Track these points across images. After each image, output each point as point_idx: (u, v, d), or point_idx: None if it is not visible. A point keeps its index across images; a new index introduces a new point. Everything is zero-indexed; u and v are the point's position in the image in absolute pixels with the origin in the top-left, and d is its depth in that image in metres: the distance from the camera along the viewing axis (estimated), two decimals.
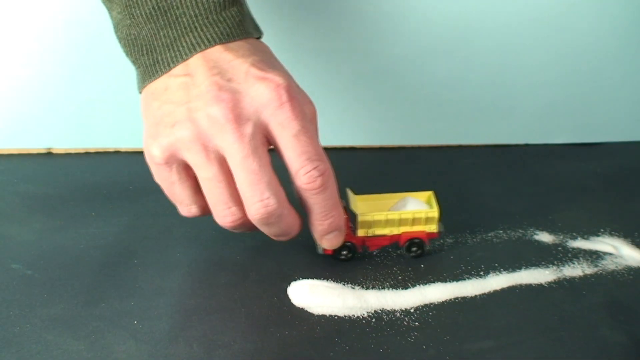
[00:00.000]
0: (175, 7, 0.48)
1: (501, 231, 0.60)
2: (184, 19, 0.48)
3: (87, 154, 0.74)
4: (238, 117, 0.46)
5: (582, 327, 0.49)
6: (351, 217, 0.54)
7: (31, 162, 0.72)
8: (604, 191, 0.68)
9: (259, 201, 0.47)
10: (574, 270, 0.55)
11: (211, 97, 0.46)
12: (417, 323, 0.49)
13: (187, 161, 0.48)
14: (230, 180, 0.47)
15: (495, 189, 0.68)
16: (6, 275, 0.53)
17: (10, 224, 0.60)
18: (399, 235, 0.55)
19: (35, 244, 0.57)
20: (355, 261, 0.56)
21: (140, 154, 0.74)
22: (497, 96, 0.75)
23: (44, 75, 0.70)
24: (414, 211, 0.54)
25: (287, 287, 0.52)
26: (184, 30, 0.48)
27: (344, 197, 0.54)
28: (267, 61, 0.49)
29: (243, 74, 0.47)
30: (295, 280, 0.53)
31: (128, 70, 0.72)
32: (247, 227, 0.50)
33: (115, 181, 0.68)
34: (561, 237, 0.60)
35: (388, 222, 0.54)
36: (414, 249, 0.55)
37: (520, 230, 0.60)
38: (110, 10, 0.52)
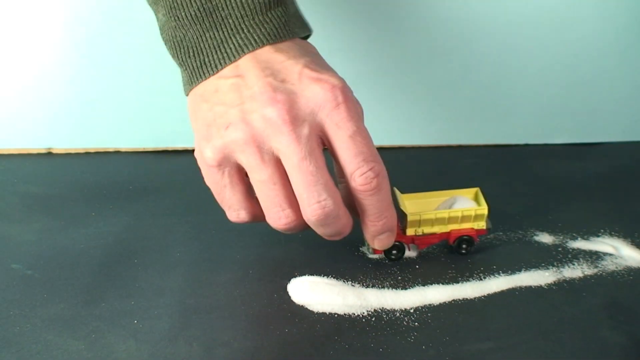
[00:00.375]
0: (220, 9, 0.48)
1: (501, 232, 0.60)
2: (230, 21, 0.48)
3: (87, 154, 0.74)
4: (294, 118, 0.46)
5: (582, 328, 0.49)
6: (400, 216, 0.54)
7: (31, 162, 0.72)
8: (604, 191, 0.68)
9: (315, 203, 0.47)
10: (574, 271, 0.55)
11: (266, 99, 0.46)
12: (416, 323, 0.49)
13: (241, 163, 0.48)
14: (285, 182, 0.47)
15: (495, 189, 0.68)
16: (6, 275, 0.53)
17: (10, 224, 0.60)
18: (448, 233, 0.55)
19: (35, 244, 0.58)
20: (355, 259, 0.56)
21: (140, 154, 0.74)
22: (497, 96, 0.75)
23: (44, 75, 0.70)
24: (463, 209, 0.55)
25: (287, 284, 0.52)
26: (230, 31, 0.48)
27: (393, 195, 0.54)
28: (319, 62, 0.49)
29: (297, 75, 0.47)
30: (295, 277, 0.53)
31: (128, 70, 0.72)
32: (300, 229, 0.50)
33: (115, 181, 0.68)
34: (561, 237, 0.60)
35: (437, 221, 0.54)
36: (464, 245, 0.56)
37: (520, 231, 0.60)
38: (156, 12, 0.52)
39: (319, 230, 0.50)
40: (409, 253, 0.56)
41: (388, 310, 0.51)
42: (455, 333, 0.48)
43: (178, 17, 0.49)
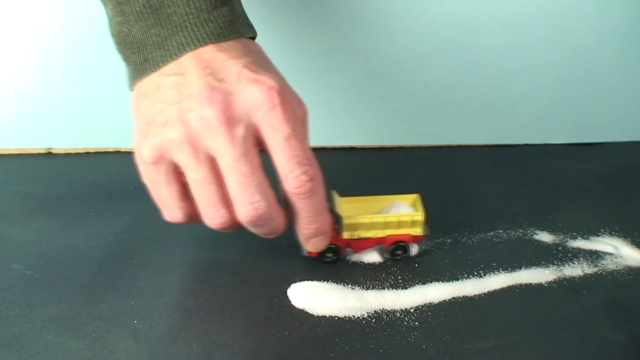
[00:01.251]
0: (165, 6, 0.48)
1: (501, 231, 0.60)
2: (175, 18, 0.48)
3: (87, 154, 0.74)
4: (230, 119, 0.45)
5: (582, 326, 0.49)
6: (336, 219, 0.54)
7: (31, 162, 0.72)
8: (604, 191, 0.68)
9: (249, 204, 0.47)
10: (574, 270, 0.55)
11: (203, 98, 0.46)
12: (417, 323, 0.49)
13: (177, 162, 0.47)
14: (220, 182, 0.47)
15: (495, 189, 0.68)
16: (6, 275, 0.53)
17: (10, 224, 0.60)
18: (384, 238, 0.55)
19: (35, 244, 0.58)
20: (355, 262, 0.56)
21: None
22: (497, 96, 0.75)
23: (44, 75, 0.70)
24: (399, 214, 0.54)
25: (287, 288, 0.52)
26: (174, 29, 0.48)
27: (329, 199, 0.53)
28: (260, 63, 0.49)
29: (235, 75, 0.47)
30: (295, 282, 0.53)
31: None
32: (235, 228, 0.50)
33: (115, 181, 0.68)
34: (561, 237, 0.60)
35: (373, 225, 0.54)
36: (399, 252, 0.55)
37: (520, 230, 0.60)
38: (105, 6, 0.52)
39: (253, 230, 0.50)
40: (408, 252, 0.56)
41: (388, 310, 0.51)
42: (456, 332, 0.48)
43: (124, 12, 0.49)
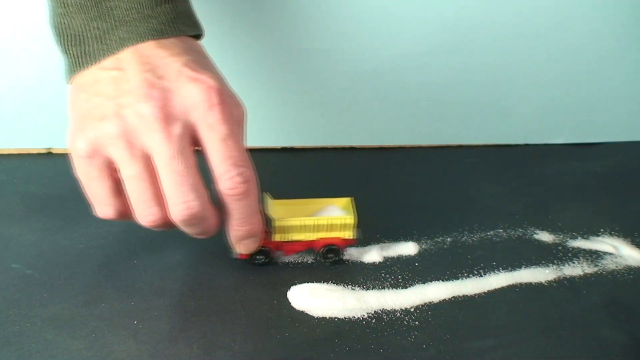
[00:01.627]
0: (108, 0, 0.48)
1: (501, 230, 0.60)
2: (116, 12, 0.48)
3: None
4: (167, 116, 0.45)
5: (582, 326, 0.49)
6: (267, 221, 0.53)
7: (31, 162, 0.72)
8: (604, 191, 0.68)
9: (182, 203, 0.46)
10: (574, 269, 0.55)
11: (142, 94, 0.45)
12: (417, 322, 0.49)
13: (112, 157, 0.47)
14: (154, 179, 0.46)
15: (495, 189, 0.68)
16: (6, 275, 0.53)
17: (10, 224, 0.60)
18: (315, 241, 0.54)
19: (35, 244, 0.57)
20: (355, 263, 0.56)
21: None
22: (497, 96, 0.75)
23: (44, 75, 0.70)
24: (330, 217, 0.54)
25: (287, 291, 0.52)
26: (115, 23, 0.48)
27: (261, 201, 0.53)
28: (200, 61, 0.48)
29: (175, 73, 0.46)
30: (295, 284, 0.53)
31: None
32: (167, 227, 0.49)
33: None
34: (561, 236, 0.60)
35: (304, 228, 0.54)
36: (331, 255, 0.55)
37: (520, 230, 0.60)
38: None
39: (185, 229, 0.49)
40: (408, 251, 0.56)
41: (388, 310, 0.51)
42: (456, 331, 0.48)
43: (65, 4, 0.49)
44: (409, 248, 0.57)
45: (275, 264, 0.55)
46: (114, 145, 0.46)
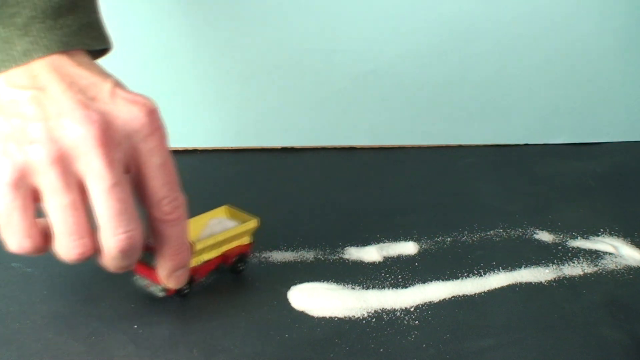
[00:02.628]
0: (9, 5, 0.45)
1: (501, 230, 0.60)
2: (19, 20, 0.45)
3: None
4: (109, 140, 0.42)
5: (582, 325, 0.49)
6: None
7: None
8: (604, 191, 0.68)
9: (122, 233, 0.43)
10: (574, 269, 0.55)
11: (79, 117, 0.42)
12: (417, 322, 0.49)
13: (39, 185, 0.42)
14: (86, 208, 0.43)
15: (495, 189, 0.68)
16: (6, 273, 0.53)
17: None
18: (223, 256, 0.52)
19: None
20: (355, 262, 0.56)
21: None
22: (497, 96, 0.75)
23: None
24: (239, 227, 0.52)
25: (287, 291, 0.52)
26: (18, 31, 0.45)
27: None
28: (121, 82, 0.46)
29: (108, 94, 0.44)
30: (295, 284, 0.53)
31: (127, 70, 0.72)
32: (87, 259, 0.45)
33: None
34: (561, 236, 0.60)
35: (215, 246, 0.51)
36: (240, 264, 0.53)
37: (520, 229, 0.60)
38: None
39: (115, 262, 0.45)
40: (408, 251, 0.56)
41: (388, 310, 0.50)
42: (456, 330, 0.48)
43: None
44: (408, 248, 0.57)
45: (273, 265, 0.55)
46: (46, 172, 0.42)
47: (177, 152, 0.73)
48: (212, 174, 0.69)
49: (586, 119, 0.78)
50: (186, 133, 0.74)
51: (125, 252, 0.44)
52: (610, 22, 0.73)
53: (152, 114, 0.44)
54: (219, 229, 0.53)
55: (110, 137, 0.42)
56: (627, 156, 0.75)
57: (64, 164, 0.42)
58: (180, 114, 0.73)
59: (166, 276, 0.47)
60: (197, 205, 0.63)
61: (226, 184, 0.68)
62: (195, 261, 0.51)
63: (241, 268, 0.54)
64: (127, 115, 0.43)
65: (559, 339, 0.47)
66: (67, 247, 0.44)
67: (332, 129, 0.75)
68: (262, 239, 0.57)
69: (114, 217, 0.43)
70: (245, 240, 0.53)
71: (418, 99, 0.75)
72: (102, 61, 0.70)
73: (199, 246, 0.50)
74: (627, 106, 0.78)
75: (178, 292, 0.51)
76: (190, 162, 0.72)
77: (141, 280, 0.50)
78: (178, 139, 0.74)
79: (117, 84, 0.45)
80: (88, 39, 0.47)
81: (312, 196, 0.66)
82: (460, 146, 0.77)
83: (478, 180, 0.70)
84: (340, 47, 0.71)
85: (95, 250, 0.44)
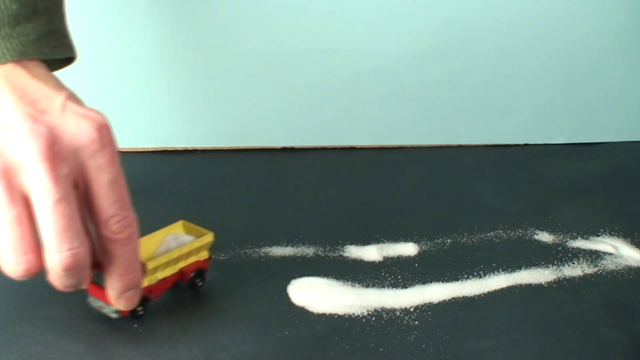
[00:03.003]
0: None
1: (501, 231, 0.60)
2: None
3: None
4: (56, 155, 0.41)
5: (582, 326, 0.49)
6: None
7: None
8: (604, 191, 0.68)
9: (67, 250, 0.42)
10: (574, 270, 0.55)
11: (27, 130, 0.41)
12: (417, 322, 0.49)
13: None
14: (31, 223, 0.42)
15: (495, 189, 0.68)
16: (5, 277, 0.53)
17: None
18: (180, 273, 0.51)
19: None
20: (355, 259, 0.56)
21: (140, 154, 0.74)
22: (497, 96, 0.75)
23: None
24: (194, 242, 0.51)
25: (287, 285, 0.52)
26: None
27: None
28: (76, 96, 0.45)
29: (59, 108, 0.43)
30: (295, 278, 0.53)
31: (128, 70, 0.72)
32: (33, 276, 0.44)
33: None
34: (561, 237, 0.60)
35: (170, 263, 0.50)
36: (198, 280, 0.52)
37: (520, 230, 0.60)
38: None
39: (60, 280, 0.44)
40: (408, 252, 0.56)
41: (388, 309, 0.51)
42: (456, 331, 0.48)
43: None
44: (408, 249, 0.57)
45: (272, 259, 0.55)
46: None
47: (177, 152, 0.74)
48: (212, 174, 0.69)
49: (586, 119, 0.78)
50: (186, 133, 0.74)
51: (69, 270, 0.42)
52: (610, 22, 0.73)
53: (102, 129, 0.43)
54: (174, 245, 0.51)
55: (57, 152, 0.41)
56: (627, 156, 0.75)
57: (9, 177, 0.41)
58: (180, 114, 0.73)
59: (116, 297, 0.46)
60: (198, 205, 0.63)
61: (226, 184, 0.68)
62: (149, 280, 0.49)
63: (199, 284, 0.52)
64: (76, 129, 0.42)
65: (559, 339, 0.48)
66: (12, 262, 0.42)
67: (332, 129, 0.75)
68: (262, 234, 0.58)
69: (58, 233, 0.41)
70: (203, 255, 0.52)
71: (418, 99, 0.75)
72: (103, 61, 0.70)
73: (151, 265, 0.49)
74: (627, 106, 0.78)
75: (132, 314, 0.49)
76: (190, 162, 0.72)
77: (95, 301, 0.49)
78: (178, 139, 0.74)
79: (71, 97, 0.44)
80: (47, 48, 0.47)
81: (312, 196, 0.66)
82: (460, 146, 0.77)
83: (478, 180, 0.70)
84: (340, 47, 0.71)
85: (42, 266, 0.43)
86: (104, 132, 0.43)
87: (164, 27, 0.69)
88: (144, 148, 0.75)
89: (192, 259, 0.51)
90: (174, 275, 0.51)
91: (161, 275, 0.50)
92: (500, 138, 0.78)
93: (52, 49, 0.47)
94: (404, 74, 0.73)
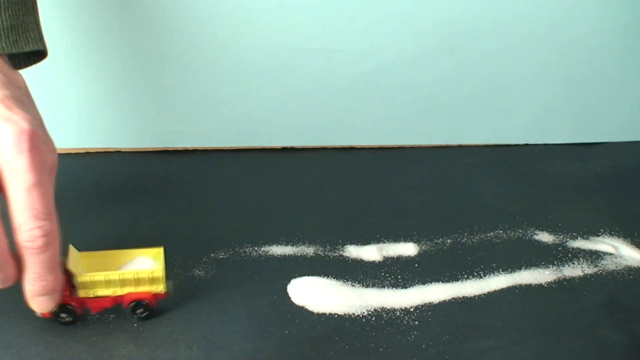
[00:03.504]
0: None
1: (501, 231, 0.60)
2: None
3: (87, 154, 0.74)
4: None
5: (582, 327, 0.49)
6: (70, 276, 0.49)
7: None
8: (604, 191, 0.68)
9: None
10: (574, 270, 0.55)
11: None
12: (416, 322, 0.49)
13: None
14: None
15: (495, 189, 0.68)
16: None
17: (10, 224, 0.60)
18: (122, 297, 0.49)
19: None
20: (355, 259, 0.56)
21: (140, 154, 0.74)
22: (497, 96, 0.75)
23: (43, 75, 0.70)
24: (137, 271, 0.49)
25: (287, 284, 0.52)
26: None
27: (65, 254, 0.48)
28: (19, 98, 0.45)
29: None
30: (295, 277, 0.53)
31: (128, 70, 0.72)
32: None
33: (115, 181, 0.68)
34: (561, 237, 0.60)
35: (110, 283, 0.49)
36: (140, 310, 0.49)
37: (520, 230, 0.60)
38: None
39: None
40: (408, 252, 0.56)
41: (388, 309, 0.51)
42: (456, 331, 0.48)
43: None
44: (408, 249, 0.57)
45: (272, 258, 0.55)
46: None
47: (177, 152, 0.74)
48: (212, 174, 0.69)
49: (586, 119, 0.78)
50: (186, 133, 0.74)
51: None
52: (610, 22, 0.73)
53: (23, 134, 0.42)
54: (130, 268, 0.50)
55: None
56: (627, 156, 0.75)
57: None
58: (181, 113, 0.73)
59: (28, 298, 0.46)
60: (198, 205, 0.63)
61: (226, 184, 0.68)
62: (85, 293, 0.49)
63: (142, 315, 0.49)
64: None
65: (559, 340, 0.48)
66: None
67: (332, 129, 0.75)
68: (262, 234, 0.58)
69: None
70: (150, 288, 0.49)
71: (418, 99, 0.75)
72: (103, 61, 0.70)
73: (83, 279, 0.48)
74: (627, 106, 0.78)
75: (55, 318, 0.49)
76: (190, 162, 0.72)
77: None
78: (178, 139, 0.74)
79: (3, 100, 0.43)
80: (6, 43, 0.46)
81: (312, 196, 0.66)
82: (460, 146, 0.77)
83: (478, 180, 0.70)
84: (340, 47, 0.71)
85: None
86: (23, 137, 0.42)
87: (164, 27, 0.69)
88: (144, 148, 0.75)
89: (131, 288, 0.49)
90: (115, 297, 0.49)
91: (100, 292, 0.49)
92: (500, 138, 0.78)
93: (11, 44, 0.47)
94: (404, 74, 0.73)
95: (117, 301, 0.49)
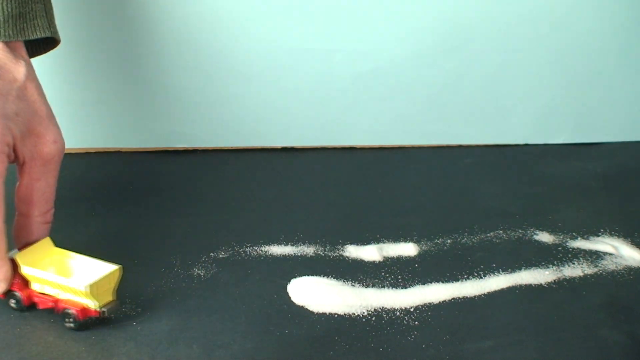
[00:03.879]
0: None
1: (501, 231, 0.60)
2: None
3: (87, 154, 0.74)
4: None
5: (582, 327, 0.49)
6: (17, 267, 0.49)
7: None
8: (604, 191, 0.68)
9: None
10: (574, 270, 0.55)
11: None
12: (416, 322, 0.49)
13: None
14: None
15: (495, 189, 0.68)
16: None
17: (10, 224, 0.60)
18: (56, 300, 0.49)
19: None
20: (355, 259, 0.56)
21: (140, 154, 0.74)
22: (497, 96, 0.75)
23: (43, 75, 0.70)
24: (61, 279, 0.48)
25: (287, 284, 0.52)
26: None
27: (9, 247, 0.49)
28: None
29: None
30: (295, 277, 0.53)
31: (128, 70, 0.72)
32: None
33: (115, 181, 0.68)
34: (561, 237, 0.60)
35: (48, 282, 0.49)
36: (68, 320, 0.48)
37: (520, 230, 0.60)
38: None
39: None
40: (408, 252, 0.56)
41: (388, 309, 0.51)
42: (455, 332, 0.48)
43: None
44: (408, 249, 0.57)
45: (272, 258, 0.55)
46: None
47: (177, 152, 0.73)
48: (212, 174, 0.69)
49: (586, 119, 0.78)
50: (186, 133, 0.73)
51: None
52: (610, 21, 0.73)
53: None
54: (73, 274, 0.49)
55: None
56: (627, 156, 0.75)
57: None
58: (180, 113, 0.73)
59: None
60: (198, 205, 0.63)
61: (226, 184, 0.68)
62: (28, 285, 0.49)
63: (68, 324, 0.48)
64: None
65: (559, 340, 0.48)
66: None
67: (332, 129, 0.75)
68: (262, 233, 0.58)
69: None
70: (81, 300, 0.48)
71: (418, 99, 0.75)
72: (103, 60, 0.70)
73: (21, 271, 0.49)
74: (627, 106, 0.77)
75: (6, 300, 0.50)
76: (190, 162, 0.72)
77: None
78: (178, 139, 0.74)
79: None
80: (13, 31, 0.47)
81: (312, 196, 0.66)
82: (460, 146, 0.77)
83: (478, 180, 0.70)
84: (340, 47, 0.71)
85: None
86: None
87: (165, 27, 0.69)
88: (144, 148, 0.74)
89: (67, 295, 0.48)
90: (54, 299, 0.49)
91: (38, 289, 0.49)
92: (500, 138, 0.78)
93: (18, 32, 0.47)
94: (404, 74, 0.73)
95: (56, 303, 0.49)
